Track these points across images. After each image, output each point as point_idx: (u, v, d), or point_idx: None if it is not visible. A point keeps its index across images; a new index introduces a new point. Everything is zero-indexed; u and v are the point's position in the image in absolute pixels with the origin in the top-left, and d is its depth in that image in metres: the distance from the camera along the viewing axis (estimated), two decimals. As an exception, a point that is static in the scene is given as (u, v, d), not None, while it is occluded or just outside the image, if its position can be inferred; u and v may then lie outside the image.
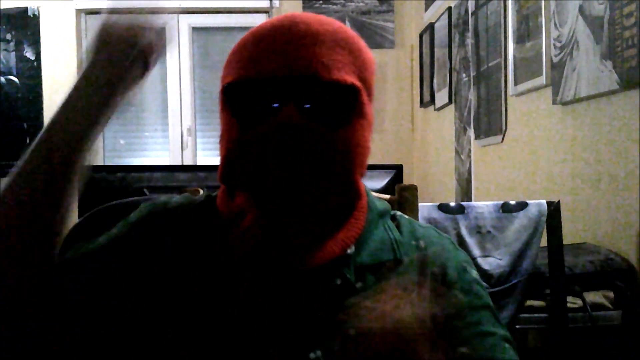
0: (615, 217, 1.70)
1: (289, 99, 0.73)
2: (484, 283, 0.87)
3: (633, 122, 1.60)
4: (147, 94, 4.34)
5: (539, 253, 1.59)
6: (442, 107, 3.52)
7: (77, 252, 0.82)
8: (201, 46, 4.31)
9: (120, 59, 0.77)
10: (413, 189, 1.05)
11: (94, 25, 0.76)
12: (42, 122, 4.13)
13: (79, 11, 4.19)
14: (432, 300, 0.78)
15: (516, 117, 2.47)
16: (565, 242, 1.60)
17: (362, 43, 0.80)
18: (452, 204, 1.62)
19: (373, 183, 1.55)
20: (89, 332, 0.78)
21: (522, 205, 1.60)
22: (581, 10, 1.83)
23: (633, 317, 1.55)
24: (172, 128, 4.31)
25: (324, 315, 0.75)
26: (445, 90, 3.39)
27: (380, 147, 4.15)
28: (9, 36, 4.14)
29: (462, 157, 3.15)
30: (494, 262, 1.58)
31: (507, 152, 2.57)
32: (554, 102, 2.03)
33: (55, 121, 0.77)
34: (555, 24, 2.02)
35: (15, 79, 4.14)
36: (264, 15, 4.25)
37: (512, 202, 1.61)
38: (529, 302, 1.58)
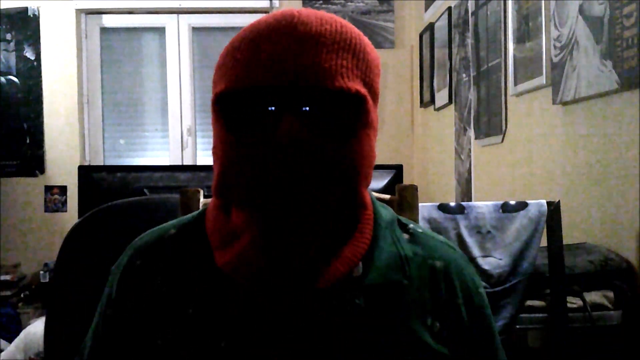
0: (615, 217, 1.70)
1: (288, 110, 0.67)
2: (483, 283, 0.86)
3: (633, 122, 1.60)
4: (147, 94, 4.35)
5: (539, 253, 1.59)
6: (442, 107, 3.52)
7: None
8: (201, 46, 4.31)
9: None
10: (413, 189, 1.05)
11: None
12: (42, 122, 4.13)
13: (79, 11, 4.19)
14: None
15: (516, 117, 2.47)
16: (565, 242, 1.60)
17: (365, 42, 0.74)
18: (452, 204, 1.62)
19: (373, 183, 1.55)
20: None
21: (522, 205, 1.60)
22: (581, 10, 1.83)
23: (633, 317, 1.55)
24: (172, 128, 4.31)
25: (332, 340, 0.71)
26: (445, 90, 3.39)
27: (380, 147, 4.10)
28: (9, 36, 4.14)
29: (462, 157, 3.15)
30: (494, 262, 1.58)
31: (507, 152, 2.57)
32: (554, 102, 2.03)
33: None
34: (555, 24, 2.02)
35: (15, 79, 4.14)
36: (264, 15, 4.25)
37: (512, 202, 1.61)
38: (529, 302, 1.58)
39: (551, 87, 2.05)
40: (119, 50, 4.34)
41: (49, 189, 4.14)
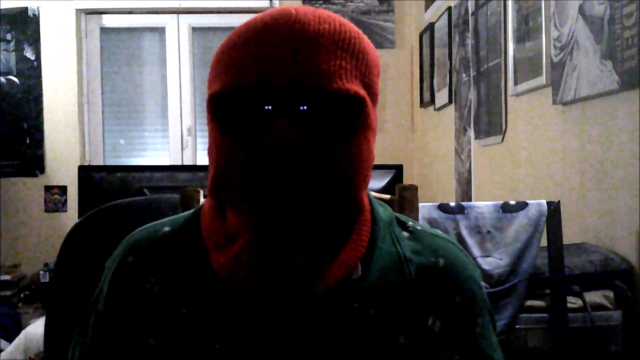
0: (615, 217, 1.70)
1: (285, 112, 0.66)
2: (484, 283, 0.85)
3: (633, 122, 1.60)
4: (147, 94, 4.35)
5: (539, 253, 1.59)
6: (442, 107, 3.52)
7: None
8: (201, 46, 4.31)
9: None
10: (413, 189, 1.05)
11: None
12: (42, 122, 4.13)
13: (79, 11, 4.19)
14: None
15: (516, 117, 2.47)
16: (565, 242, 1.60)
17: (365, 41, 0.72)
18: (452, 204, 1.62)
19: (373, 183, 1.55)
20: None
21: (522, 205, 1.60)
22: (581, 10, 1.83)
23: (633, 317, 1.55)
24: (172, 128, 4.31)
25: (330, 343, 0.71)
26: (445, 90, 3.39)
27: (380, 147, 4.13)
28: (9, 36, 4.14)
29: (462, 157, 3.15)
30: (494, 262, 1.58)
31: (507, 152, 2.57)
32: (554, 102, 2.03)
33: None
34: (555, 24, 2.02)
35: (15, 79, 4.14)
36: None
37: (512, 202, 1.61)
38: (529, 303, 1.58)
39: (551, 87, 2.05)
40: (119, 50, 4.34)
41: (49, 189, 4.14)
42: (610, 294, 1.58)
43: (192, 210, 0.83)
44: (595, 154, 1.81)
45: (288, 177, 0.66)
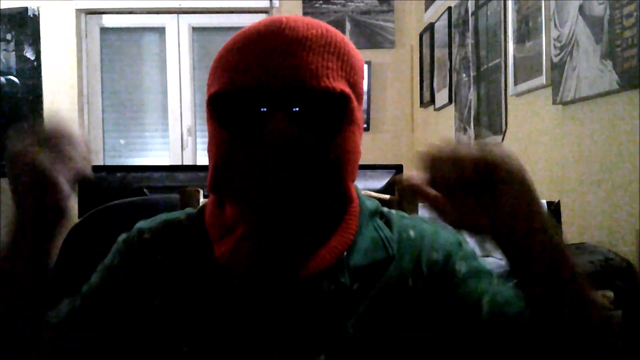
0: (615, 217, 1.70)
1: (277, 109, 0.72)
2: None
3: (633, 122, 1.60)
4: (147, 94, 4.35)
5: (539, 253, 1.58)
6: (442, 107, 3.52)
7: (60, 313, 0.82)
8: (201, 46, 4.31)
9: (21, 196, 0.72)
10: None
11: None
12: (42, 122, 4.12)
13: (79, 11, 4.19)
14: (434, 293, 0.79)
15: (516, 117, 2.47)
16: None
17: (350, 46, 0.78)
18: (452, 204, 1.62)
19: (373, 183, 1.55)
20: None
21: (522, 205, 1.60)
22: (581, 10, 1.83)
23: (633, 317, 1.55)
24: (172, 128, 4.31)
25: (324, 320, 0.76)
26: (445, 90, 3.39)
27: (380, 147, 4.15)
28: (9, 36, 4.14)
29: (462, 157, 3.15)
30: (494, 262, 1.58)
31: (507, 152, 2.57)
32: (554, 102, 2.03)
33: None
34: (555, 24, 2.02)
35: (15, 79, 4.14)
36: (264, 15, 4.25)
37: (512, 202, 1.61)
38: (529, 302, 1.58)
39: (551, 87, 2.05)
40: (119, 50, 4.34)
41: (49, 189, 4.14)
42: (610, 294, 1.58)
43: (202, 205, 0.88)
44: (595, 154, 1.81)
45: (281, 172, 0.72)
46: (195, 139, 4.31)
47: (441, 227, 0.85)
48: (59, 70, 4.15)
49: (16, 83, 4.14)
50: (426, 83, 3.86)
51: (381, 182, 1.60)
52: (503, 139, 2.59)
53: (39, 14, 4.12)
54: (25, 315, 0.75)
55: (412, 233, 0.83)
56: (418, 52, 4.05)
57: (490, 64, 2.70)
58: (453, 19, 3.28)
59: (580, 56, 1.84)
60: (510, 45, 2.45)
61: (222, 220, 0.80)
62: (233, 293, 0.77)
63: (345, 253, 0.78)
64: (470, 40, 2.98)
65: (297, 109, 0.72)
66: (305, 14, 4.02)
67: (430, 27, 3.72)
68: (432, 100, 3.71)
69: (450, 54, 3.32)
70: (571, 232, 1.84)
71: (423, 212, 1.55)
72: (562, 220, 1.60)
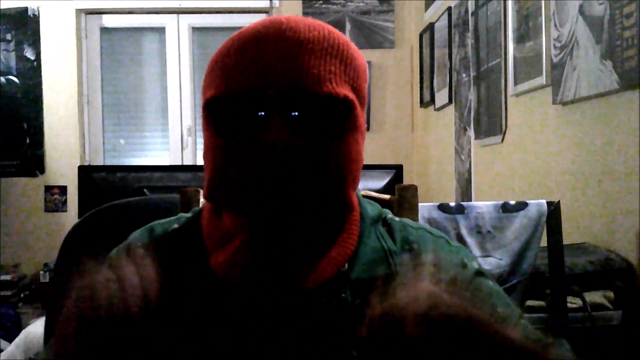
0: (615, 217, 1.70)
1: (277, 115, 0.68)
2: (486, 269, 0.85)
3: (633, 122, 1.60)
4: (147, 94, 4.35)
5: (539, 253, 1.59)
6: (442, 107, 3.52)
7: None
8: (201, 46, 4.31)
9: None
10: (413, 189, 1.05)
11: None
12: (42, 122, 4.13)
13: (79, 11, 4.19)
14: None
15: (516, 117, 2.47)
16: (565, 242, 1.60)
17: (353, 48, 0.75)
18: (452, 204, 1.62)
19: (373, 183, 1.55)
20: None
21: (522, 205, 1.60)
22: (581, 10, 1.83)
23: (633, 317, 1.55)
24: (172, 128, 4.31)
25: (324, 339, 0.73)
26: (445, 90, 3.39)
27: (380, 147, 4.15)
28: (9, 36, 4.14)
29: (462, 157, 3.15)
30: (494, 262, 1.58)
31: (507, 152, 2.57)
32: (554, 102, 2.03)
33: None
34: (555, 24, 2.02)
35: (15, 79, 4.14)
36: (264, 15, 4.25)
37: (512, 202, 1.61)
38: (529, 302, 1.58)
39: (551, 87, 2.05)
40: (119, 50, 4.34)
41: (49, 189, 4.14)
42: (610, 294, 1.58)
43: (197, 209, 0.85)
44: (595, 154, 1.81)
45: (280, 180, 0.69)
46: (195, 139, 4.31)
47: (445, 242, 0.82)
48: (59, 70, 4.15)
49: (16, 83, 4.14)
50: (426, 83, 3.86)
51: (381, 182, 1.60)
52: (503, 139, 2.59)
53: (39, 14, 4.12)
54: None
55: (415, 247, 0.80)
56: (418, 52, 4.05)
57: (490, 64, 2.70)
58: (453, 19, 3.28)
59: (580, 56, 1.84)
60: (510, 45, 2.45)
61: (220, 229, 0.76)
62: (230, 305, 0.74)
63: (346, 265, 0.75)
64: (470, 40, 2.98)
65: (297, 115, 0.69)
66: (305, 14, 4.02)
67: (430, 27, 3.72)
68: (432, 100, 3.71)
69: (450, 54, 3.32)
70: (571, 232, 1.84)
71: (423, 212, 1.55)
72: (562, 220, 1.60)
